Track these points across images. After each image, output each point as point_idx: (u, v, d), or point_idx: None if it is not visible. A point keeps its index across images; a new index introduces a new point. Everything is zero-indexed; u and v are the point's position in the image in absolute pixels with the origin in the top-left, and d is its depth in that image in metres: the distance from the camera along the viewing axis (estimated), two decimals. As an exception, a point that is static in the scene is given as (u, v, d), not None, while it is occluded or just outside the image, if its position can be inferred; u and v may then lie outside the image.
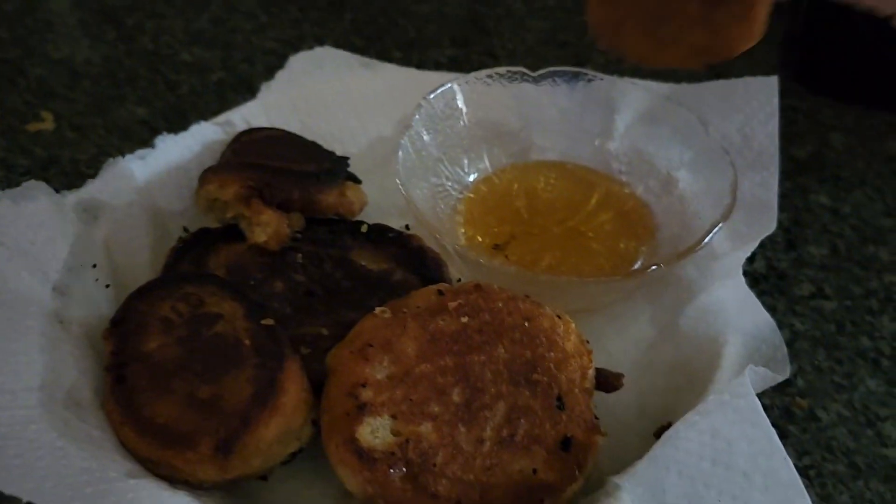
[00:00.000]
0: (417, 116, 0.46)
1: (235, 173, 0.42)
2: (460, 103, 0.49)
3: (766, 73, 0.61)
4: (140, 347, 0.35)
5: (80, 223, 0.42)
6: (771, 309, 0.45)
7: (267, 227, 0.41)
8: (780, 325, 0.44)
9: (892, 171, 0.54)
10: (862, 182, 0.53)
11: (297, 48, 0.64)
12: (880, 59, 0.57)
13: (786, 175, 0.54)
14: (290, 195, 0.42)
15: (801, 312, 0.45)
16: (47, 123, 0.58)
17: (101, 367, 0.36)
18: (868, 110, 0.59)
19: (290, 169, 0.43)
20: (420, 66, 0.63)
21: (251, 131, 0.49)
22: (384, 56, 0.64)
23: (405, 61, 0.63)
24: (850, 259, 0.48)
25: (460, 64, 0.63)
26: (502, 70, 0.49)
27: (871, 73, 0.58)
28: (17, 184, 0.50)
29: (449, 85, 0.48)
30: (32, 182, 0.41)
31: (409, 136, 0.46)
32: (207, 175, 0.43)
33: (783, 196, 0.52)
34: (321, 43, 0.65)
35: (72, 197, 0.43)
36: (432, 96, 0.47)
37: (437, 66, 0.63)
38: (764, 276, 0.47)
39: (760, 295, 0.46)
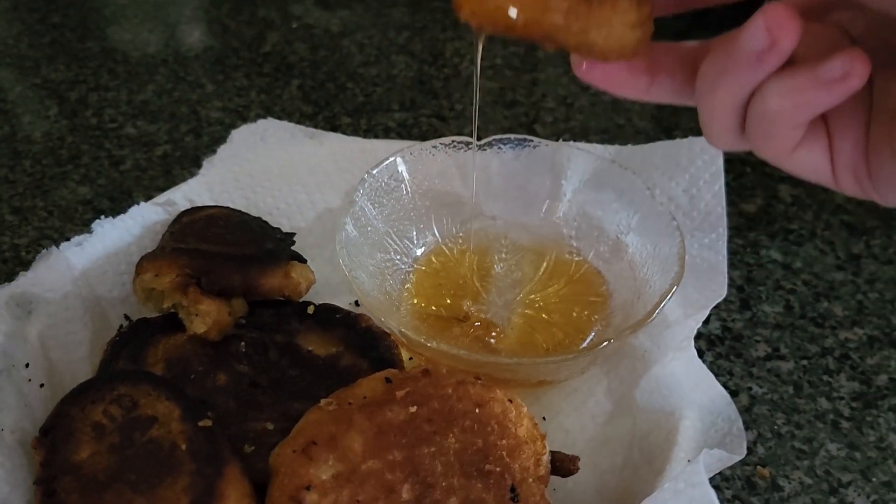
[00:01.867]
0: (361, 191, 0.46)
1: (171, 260, 0.41)
2: (405, 175, 0.48)
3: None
4: (71, 457, 0.33)
5: (12, 319, 0.40)
6: (728, 373, 0.45)
7: (207, 316, 0.39)
8: (738, 390, 0.44)
9: (840, 222, 0.55)
10: (812, 235, 0.54)
11: (244, 117, 0.64)
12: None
13: (737, 231, 0.54)
14: (230, 281, 0.41)
15: (758, 375, 0.45)
16: (-15, 207, 0.56)
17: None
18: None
19: (229, 253, 0.42)
20: (369, 131, 0.63)
21: (192, 211, 0.48)
22: (333, 122, 0.64)
23: (354, 127, 0.63)
24: (805, 316, 0.48)
25: (409, 128, 0.63)
26: (447, 140, 0.49)
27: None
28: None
29: (392, 158, 0.47)
30: (-41, 282, 0.39)
31: (353, 212, 0.45)
32: (143, 263, 0.41)
33: (735, 253, 0.52)
34: (269, 111, 0.65)
35: (3, 292, 0.41)
36: (375, 171, 0.47)
37: (387, 131, 0.62)
38: (719, 337, 0.47)
39: (717, 358, 0.46)
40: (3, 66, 0.71)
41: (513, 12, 0.24)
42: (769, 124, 0.24)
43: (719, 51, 0.25)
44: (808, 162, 0.26)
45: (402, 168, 0.48)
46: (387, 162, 0.47)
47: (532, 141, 0.49)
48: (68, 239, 0.52)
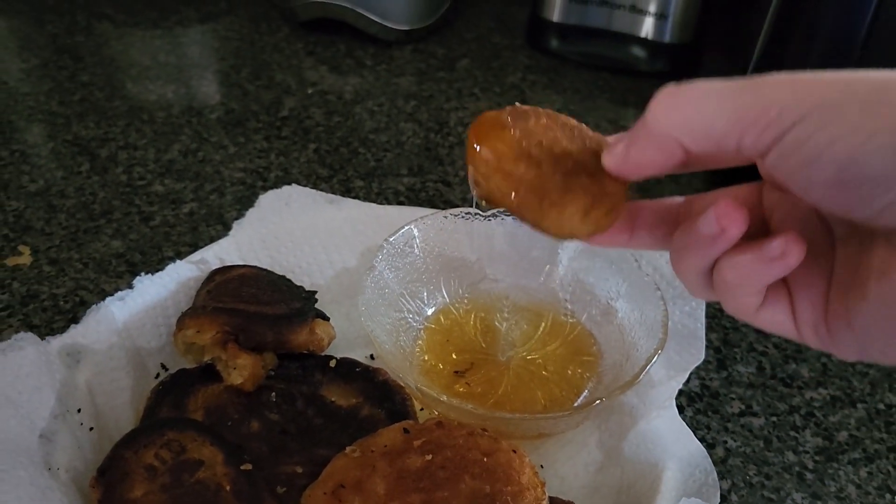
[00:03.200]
0: (380, 257, 0.51)
1: (212, 318, 0.45)
2: (418, 241, 0.53)
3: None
4: (126, 495, 0.38)
5: (65, 368, 0.45)
6: (706, 427, 0.50)
7: (244, 370, 0.44)
8: (715, 443, 0.49)
9: (808, 289, 0.60)
10: (782, 301, 0.59)
11: (264, 178, 0.69)
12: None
13: (715, 296, 0.59)
14: (263, 337, 0.46)
15: (733, 430, 0.50)
16: (25, 258, 0.61)
17: (88, 515, 0.39)
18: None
19: (263, 312, 0.47)
20: (380, 194, 0.68)
21: (224, 270, 0.53)
22: (347, 185, 0.69)
23: (367, 190, 0.68)
24: (775, 377, 0.54)
25: (417, 192, 0.68)
26: (456, 211, 0.54)
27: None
28: (-1, 322, 0.53)
29: (408, 227, 0.53)
30: (21, 334, 0.44)
31: (372, 276, 0.50)
32: (185, 320, 0.46)
33: (713, 317, 0.57)
34: (287, 173, 0.70)
35: (56, 342, 0.46)
36: (392, 238, 0.52)
37: (396, 194, 0.68)
38: (699, 395, 0.52)
39: (696, 413, 0.51)
40: (35, 123, 0.76)
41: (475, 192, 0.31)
42: (729, 290, 0.29)
43: (684, 230, 0.29)
44: (772, 320, 0.30)
45: (416, 235, 0.53)
46: (403, 230, 0.52)
47: (532, 213, 0.55)
48: (105, 291, 0.57)
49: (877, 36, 0.55)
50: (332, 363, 0.48)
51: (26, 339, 0.43)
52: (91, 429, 0.44)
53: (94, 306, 0.47)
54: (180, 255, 0.61)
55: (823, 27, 0.58)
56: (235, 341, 0.45)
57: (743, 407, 0.51)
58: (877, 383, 0.53)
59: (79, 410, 0.44)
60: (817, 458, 0.49)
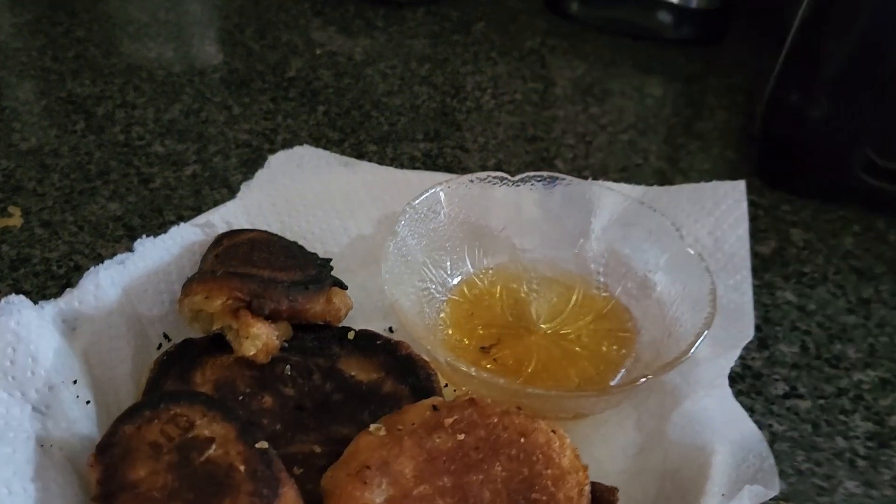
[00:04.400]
0: (403, 222, 0.47)
1: (223, 283, 0.41)
2: (443, 207, 0.50)
3: (726, 168, 0.65)
4: (128, 475, 0.34)
5: (60, 335, 0.41)
6: (749, 409, 0.46)
7: (257, 340, 0.40)
8: (760, 426, 0.45)
9: (849, 266, 0.57)
10: (824, 279, 0.56)
11: (271, 140, 0.65)
12: (831, 156, 0.60)
13: (753, 272, 0.56)
14: (278, 305, 0.42)
15: (778, 412, 0.47)
16: (15, 219, 0.57)
17: (86, 496, 0.35)
18: (823, 205, 0.62)
19: (278, 279, 0.43)
20: (395, 159, 0.64)
21: (232, 234, 0.49)
22: (360, 149, 0.65)
23: (380, 155, 0.64)
24: (820, 357, 0.50)
25: (434, 158, 0.64)
26: (483, 175, 0.50)
27: (823, 170, 0.61)
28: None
29: (433, 190, 0.49)
30: (12, 296, 0.40)
31: (395, 242, 0.46)
32: (193, 285, 0.42)
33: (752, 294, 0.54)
34: (295, 136, 0.66)
35: (50, 308, 0.42)
36: (416, 202, 0.48)
37: (412, 160, 0.64)
38: (740, 375, 0.49)
39: (738, 395, 0.47)
40: (27, 79, 0.71)
41: None
42: None
43: None
44: None
45: (441, 199, 0.49)
46: (426, 194, 0.49)
47: (564, 179, 0.51)
48: (101, 255, 0.53)
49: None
50: (351, 335, 0.44)
51: (18, 303, 0.39)
52: (88, 402, 0.40)
53: (91, 269, 0.43)
54: (183, 219, 0.57)
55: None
56: (248, 308, 0.41)
57: (788, 388, 0.48)
58: (927, 366, 0.50)
59: (75, 382, 0.40)
60: (869, 443, 0.45)
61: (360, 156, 0.64)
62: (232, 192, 0.59)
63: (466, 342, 0.46)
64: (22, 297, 0.40)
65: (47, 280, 0.52)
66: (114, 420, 0.36)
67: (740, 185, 0.51)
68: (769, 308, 0.53)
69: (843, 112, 0.57)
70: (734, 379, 0.48)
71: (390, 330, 0.48)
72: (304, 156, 0.55)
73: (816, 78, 0.57)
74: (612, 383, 0.44)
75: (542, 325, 0.48)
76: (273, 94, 0.71)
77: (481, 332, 0.47)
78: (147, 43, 0.77)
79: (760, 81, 0.64)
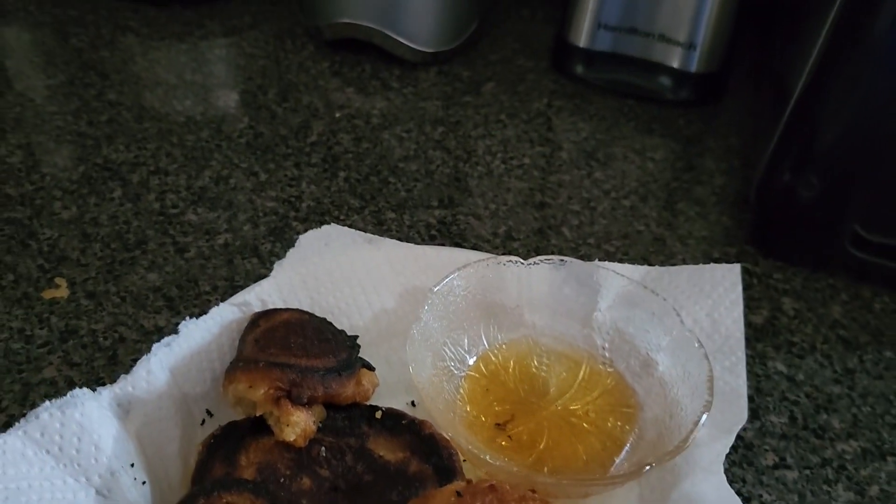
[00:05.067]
0: (426, 307, 0.51)
1: (265, 374, 0.46)
2: (461, 290, 0.54)
3: (722, 235, 0.69)
4: (188, 560, 0.38)
5: (117, 420, 0.45)
6: (741, 480, 0.51)
7: (297, 427, 0.45)
8: (751, 497, 0.50)
9: (836, 336, 0.61)
10: (812, 348, 0.60)
11: (296, 208, 0.70)
12: (821, 230, 0.64)
13: (746, 342, 0.60)
14: (315, 393, 0.46)
15: (767, 483, 0.51)
16: (62, 290, 0.61)
17: (149, 577, 0.39)
18: (813, 273, 0.67)
19: (313, 367, 0.47)
20: (412, 227, 0.68)
21: (268, 314, 0.53)
22: (378, 217, 0.69)
23: (398, 223, 0.69)
24: (807, 428, 0.55)
25: (448, 226, 0.69)
26: (497, 259, 0.55)
27: (813, 242, 0.66)
28: (37, 357, 0.54)
29: (452, 276, 0.53)
30: (76, 391, 0.44)
31: (419, 327, 0.50)
32: (237, 374, 0.47)
33: (745, 364, 0.58)
34: (319, 203, 0.70)
35: (107, 393, 0.46)
36: (437, 288, 0.52)
37: (428, 228, 0.68)
38: (733, 447, 0.53)
39: (731, 466, 0.52)
40: (64, 144, 0.76)
41: None
42: None
43: None
44: None
45: (458, 284, 0.54)
46: (447, 279, 0.53)
47: (572, 262, 0.55)
48: (143, 327, 0.58)
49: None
50: (378, 414, 0.49)
51: (81, 396, 0.44)
52: (144, 483, 0.44)
53: (144, 357, 0.48)
54: (217, 290, 0.61)
55: (877, 58, 0.56)
56: (288, 397, 0.45)
57: (777, 459, 0.52)
58: (906, 436, 0.55)
59: (132, 465, 0.44)
60: (851, 514, 0.50)
61: (380, 223, 0.68)
62: (261, 261, 0.64)
63: (483, 419, 0.51)
64: (85, 390, 0.44)
65: (95, 352, 0.56)
66: (168, 502, 0.41)
67: (735, 269, 0.55)
68: (761, 378, 0.58)
69: (833, 191, 0.62)
70: (728, 450, 0.53)
71: (413, 404, 0.53)
72: (332, 234, 0.60)
73: (808, 160, 0.62)
74: (616, 460, 0.49)
75: (552, 401, 0.52)
76: (296, 159, 0.75)
77: (497, 408, 0.52)
78: (176, 106, 0.81)
79: (758, 143, 0.69)
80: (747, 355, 0.59)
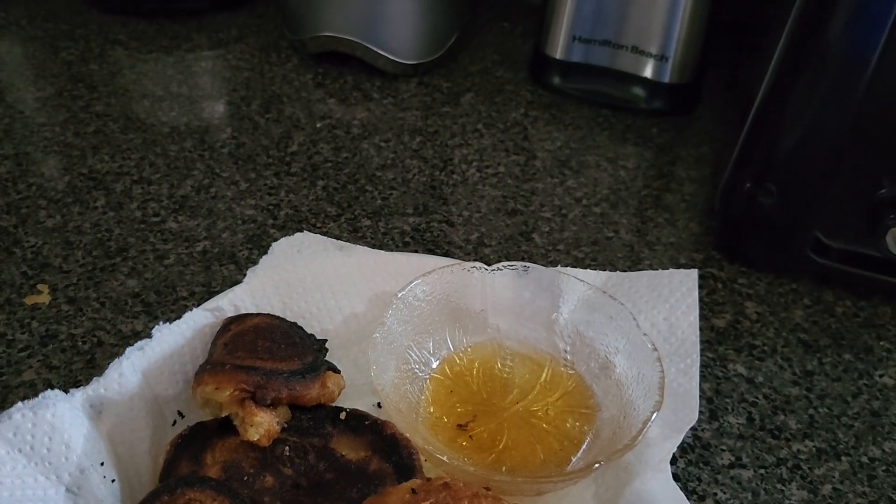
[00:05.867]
0: (390, 312, 0.53)
1: (231, 376, 0.48)
2: (425, 295, 0.56)
3: (690, 241, 0.71)
4: (150, 553, 0.40)
5: (89, 421, 0.47)
6: (696, 479, 0.53)
7: (260, 427, 0.46)
8: (705, 495, 0.52)
9: (797, 339, 0.63)
10: (773, 351, 0.62)
11: (274, 216, 0.71)
12: (782, 237, 0.66)
13: (708, 344, 0.62)
14: (279, 394, 0.48)
15: (722, 482, 0.52)
16: (43, 296, 0.63)
17: (113, 570, 0.41)
18: (777, 278, 0.68)
19: (278, 370, 0.49)
20: (387, 234, 0.70)
21: (239, 319, 0.55)
22: (354, 224, 0.71)
23: (373, 230, 0.71)
24: (764, 428, 0.56)
25: (422, 233, 0.70)
26: (462, 265, 0.57)
27: (775, 248, 0.67)
28: (17, 361, 0.56)
29: (417, 281, 0.55)
30: (48, 392, 0.46)
31: (382, 332, 0.52)
32: (205, 376, 0.48)
33: (706, 366, 0.60)
34: (297, 211, 0.72)
35: (79, 395, 0.48)
36: (402, 293, 0.54)
37: (402, 235, 0.70)
38: (691, 446, 0.54)
39: (688, 465, 0.53)
40: (51, 154, 0.78)
41: None
42: None
43: None
44: None
45: (423, 289, 0.55)
46: (411, 285, 0.55)
47: (535, 268, 0.57)
48: (121, 332, 0.59)
49: (882, 80, 0.57)
50: (343, 416, 0.50)
51: (53, 397, 0.46)
52: (113, 481, 0.46)
53: (116, 360, 0.49)
54: (194, 296, 0.63)
55: (830, 69, 0.58)
56: (252, 398, 0.47)
57: (733, 459, 0.54)
58: (861, 436, 0.56)
59: (102, 464, 0.46)
60: (802, 511, 0.51)
61: (356, 230, 0.70)
62: (238, 268, 0.66)
63: (445, 420, 0.52)
64: (57, 391, 0.46)
65: (73, 356, 0.58)
66: (137, 502, 0.42)
67: (693, 274, 0.57)
68: (721, 381, 0.59)
69: (793, 199, 0.63)
70: (685, 450, 0.54)
71: (378, 405, 0.54)
72: (304, 241, 0.62)
73: (768, 168, 0.63)
74: (573, 459, 0.50)
75: (513, 403, 0.54)
76: (277, 168, 0.77)
77: (459, 409, 0.53)
78: (161, 117, 0.83)
79: (727, 152, 0.70)
80: (708, 358, 0.61)
